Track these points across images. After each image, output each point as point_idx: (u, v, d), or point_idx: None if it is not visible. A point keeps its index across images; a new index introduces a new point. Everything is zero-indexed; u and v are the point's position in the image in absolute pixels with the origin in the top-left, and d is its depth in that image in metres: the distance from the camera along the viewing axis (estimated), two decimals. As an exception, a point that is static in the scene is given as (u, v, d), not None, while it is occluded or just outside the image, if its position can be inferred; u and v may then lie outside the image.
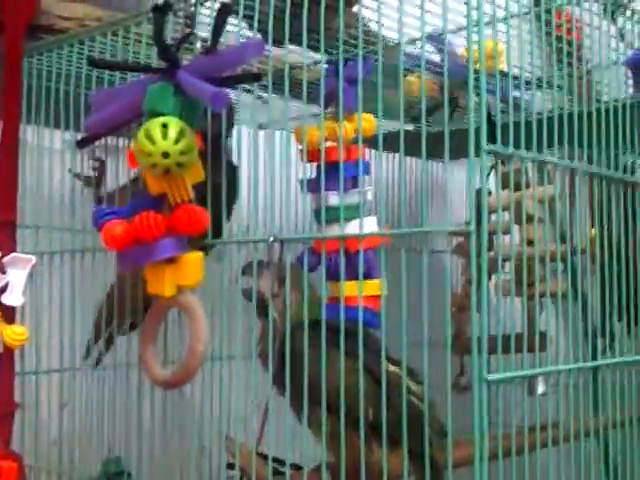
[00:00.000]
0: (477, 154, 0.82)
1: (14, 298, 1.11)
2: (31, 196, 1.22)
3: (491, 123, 1.38)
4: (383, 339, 0.94)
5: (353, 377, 0.91)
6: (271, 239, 0.92)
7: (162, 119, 0.89)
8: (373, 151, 1.16)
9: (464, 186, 1.83)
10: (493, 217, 1.58)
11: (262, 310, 0.97)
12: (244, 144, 1.06)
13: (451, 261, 1.74)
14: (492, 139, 1.42)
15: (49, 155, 1.20)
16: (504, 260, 1.53)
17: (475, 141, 0.81)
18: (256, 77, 0.89)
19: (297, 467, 1.03)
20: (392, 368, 1.00)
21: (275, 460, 0.98)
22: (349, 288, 1.10)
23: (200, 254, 0.97)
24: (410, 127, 1.53)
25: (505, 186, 1.47)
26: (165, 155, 0.88)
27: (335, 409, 0.89)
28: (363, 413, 0.89)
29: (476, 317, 0.82)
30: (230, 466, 1.03)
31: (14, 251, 1.14)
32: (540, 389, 1.38)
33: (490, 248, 1.61)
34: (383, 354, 0.89)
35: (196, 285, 0.97)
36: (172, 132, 0.88)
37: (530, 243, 1.40)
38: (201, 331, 0.94)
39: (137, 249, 0.94)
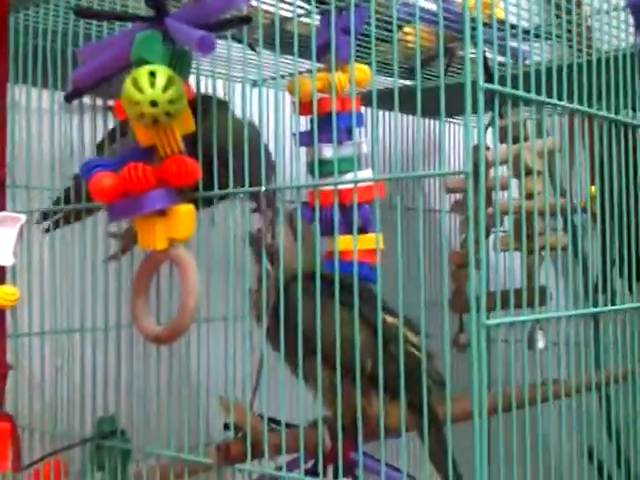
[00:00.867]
0: (474, 97, 0.79)
1: (4, 258, 1.08)
2: (22, 156, 1.19)
3: (489, 74, 1.36)
4: (379, 292, 0.92)
5: (350, 328, 0.90)
6: (263, 188, 0.90)
7: (150, 67, 0.87)
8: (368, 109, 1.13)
9: (461, 145, 1.84)
10: (491, 172, 1.57)
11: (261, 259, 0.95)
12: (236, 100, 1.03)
13: (449, 220, 1.73)
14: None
15: (38, 115, 1.17)
16: (503, 214, 1.52)
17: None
18: (245, 20, 0.87)
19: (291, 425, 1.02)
20: (390, 319, 0.98)
21: (270, 420, 0.96)
22: (344, 242, 1.08)
23: (191, 206, 0.94)
24: (406, 82, 1.51)
25: (503, 140, 1.46)
26: (153, 104, 0.86)
27: (332, 361, 0.87)
28: (361, 364, 0.87)
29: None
30: (227, 427, 1.01)
31: (3, 210, 1.12)
32: (540, 343, 1.37)
33: (489, 204, 1.61)
34: (379, 305, 0.87)
35: (187, 238, 0.95)
36: (160, 80, 0.86)
37: (529, 197, 1.38)
38: (192, 285, 0.92)
39: (126, 201, 0.92)
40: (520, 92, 0.85)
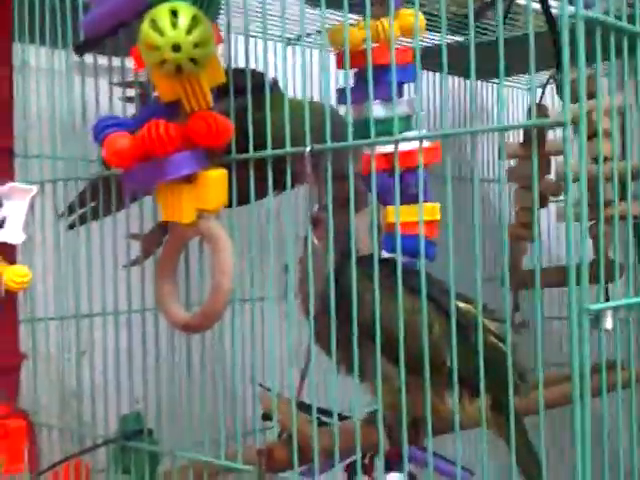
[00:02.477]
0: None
1: (13, 235, 0.97)
2: (34, 124, 1.07)
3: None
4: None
5: (428, 316, 0.77)
6: (308, 149, 0.76)
7: (171, 4, 0.73)
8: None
9: (513, 110, 1.70)
10: (551, 135, 1.43)
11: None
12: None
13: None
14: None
15: (49, 77, 1.04)
16: (562, 180, 1.38)
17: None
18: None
19: (343, 418, 0.89)
20: (463, 305, 0.84)
21: (319, 411, 0.83)
22: (402, 213, 0.95)
23: (223, 171, 0.81)
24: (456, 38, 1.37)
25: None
26: (176, 48, 0.72)
27: (398, 355, 0.73)
28: (437, 359, 0.73)
29: (573, 242, 0.66)
30: (265, 417, 0.88)
31: (12, 181, 1.00)
32: (608, 323, 1.24)
33: (549, 170, 1.47)
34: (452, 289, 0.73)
35: (219, 209, 0.81)
36: (183, 20, 0.72)
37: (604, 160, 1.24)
38: (227, 263, 0.78)
39: (146, 166, 0.78)
40: (626, 24, 0.70)
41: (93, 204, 0.99)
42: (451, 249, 0.73)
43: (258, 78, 0.85)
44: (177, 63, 0.73)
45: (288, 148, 0.79)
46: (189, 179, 0.80)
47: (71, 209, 1.02)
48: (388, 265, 0.75)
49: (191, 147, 0.78)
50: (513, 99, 1.71)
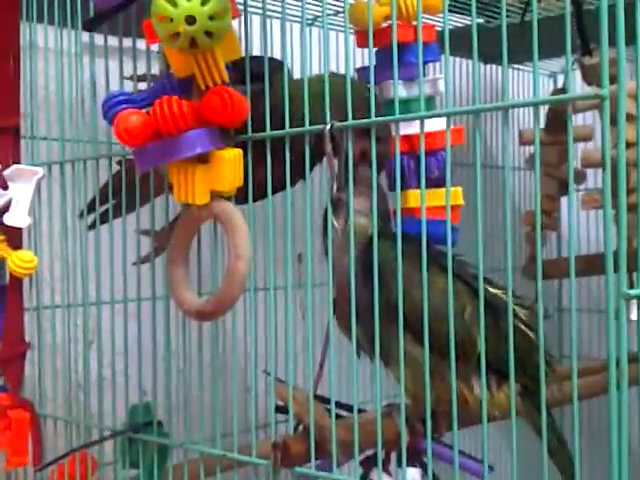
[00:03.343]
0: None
1: (18, 218, 0.94)
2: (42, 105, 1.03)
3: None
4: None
5: (460, 299, 0.73)
6: (328, 127, 0.72)
7: (185, -27, 0.69)
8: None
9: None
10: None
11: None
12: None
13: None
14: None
15: (57, 58, 1.00)
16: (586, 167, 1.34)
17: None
18: None
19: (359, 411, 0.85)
20: (493, 290, 0.81)
21: (337, 404, 0.80)
22: (419, 197, 0.91)
23: (238, 151, 0.77)
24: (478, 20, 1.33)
25: (592, 82, 1.27)
26: (190, 20, 0.69)
27: (427, 339, 0.69)
28: (467, 343, 0.69)
29: (611, 226, 0.62)
30: (279, 409, 0.85)
31: (17, 162, 0.96)
32: (633, 314, 1.20)
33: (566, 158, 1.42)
34: (480, 274, 0.70)
35: (234, 190, 0.77)
36: (198, -10, 0.69)
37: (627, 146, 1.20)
38: (242, 247, 0.75)
39: (159, 145, 0.74)
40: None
41: (114, 201, 0.95)
42: (480, 234, 0.69)
43: (275, 64, 0.81)
44: (191, 36, 0.69)
45: (307, 126, 0.75)
46: (203, 159, 0.76)
47: (91, 208, 0.97)
48: (419, 245, 0.71)
49: (205, 125, 0.75)
50: (532, 86, 1.65)
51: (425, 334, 0.68)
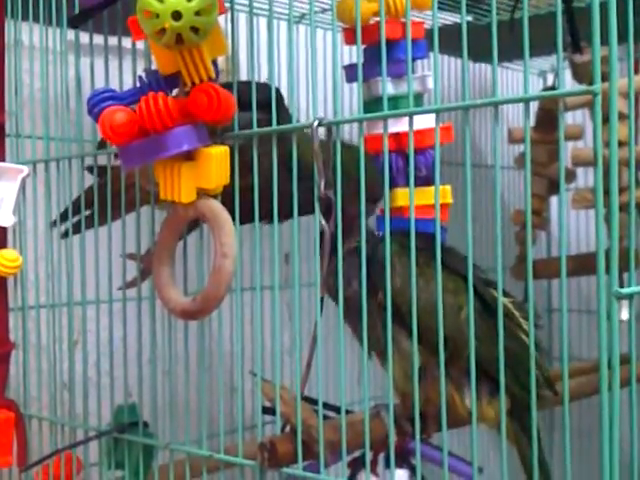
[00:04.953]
0: None
1: (3, 217, 0.93)
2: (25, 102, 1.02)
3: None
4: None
5: (458, 298, 0.72)
6: (316, 123, 0.72)
7: (171, -32, 0.68)
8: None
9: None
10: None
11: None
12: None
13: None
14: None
15: (43, 56, 0.99)
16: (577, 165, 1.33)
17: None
18: None
19: (347, 412, 0.85)
20: (495, 294, 0.80)
21: (324, 406, 0.79)
22: (407, 196, 0.91)
23: (225, 148, 0.76)
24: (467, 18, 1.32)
25: (582, 80, 1.27)
26: (176, 16, 0.68)
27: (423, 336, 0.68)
28: (463, 347, 0.69)
29: (602, 225, 0.61)
30: (266, 410, 0.84)
31: (2, 160, 0.95)
32: (623, 314, 1.20)
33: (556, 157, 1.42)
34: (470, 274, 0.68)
35: (220, 188, 0.77)
36: (184, -15, 0.68)
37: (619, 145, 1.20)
38: (229, 245, 0.74)
39: (144, 142, 0.73)
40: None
41: (87, 212, 0.94)
42: (470, 234, 0.68)
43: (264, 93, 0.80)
44: (177, 32, 0.69)
45: (295, 123, 0.74)
46: (189, 156, 0.75)
47: (64, 217, 0.97)
48: (421, 241, 0.71)
49: (191, 122, 0.74)
50: (520, 85, 1.64)
51: (414, 329, 0.67)
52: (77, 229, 0.96)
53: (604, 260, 0.60)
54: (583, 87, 0.63)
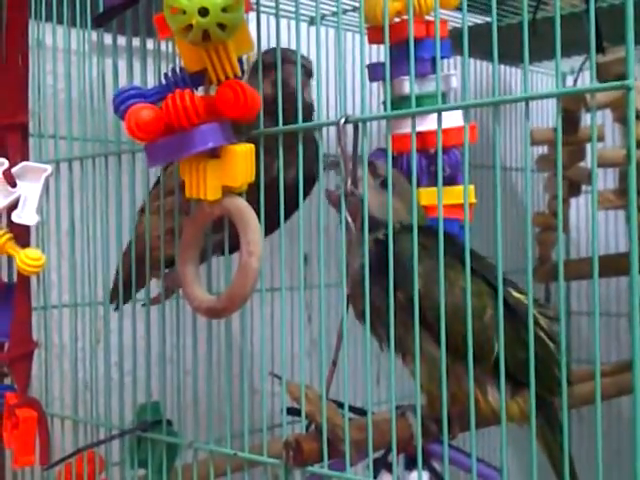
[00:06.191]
0: None
1: (27, 216, 0.93)
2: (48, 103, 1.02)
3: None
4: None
5: (482, 300, 0.72)
6: (343, 120, 0.71)
7: (198, -36, 0.68)
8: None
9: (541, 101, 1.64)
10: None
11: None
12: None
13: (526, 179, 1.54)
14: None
15: (66, 57, 0.99)
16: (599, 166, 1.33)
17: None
18: None
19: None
20: (516, 294, 0.80)
21: (351, 409, 0.79)
22: (429, 195, 0.90)
23: (250, 146, 0.76)
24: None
25: (605, 80, 1.26)
26: (203, 12, 0.68)
27: (445, 339, 0.68)
28: (486, 346, 0.68)
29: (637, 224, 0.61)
30: (291, 411, 0.83)
31: (26, 160, 0.95)
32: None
33: (581, 157, 1.41)
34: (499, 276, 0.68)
35: (246, 185, 0.77)
36: (211, -18, 0.68)
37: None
38: (255, 243, 0.74)
39: (169, 139, 0.73)
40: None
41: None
42: (499, 234, 0.68)
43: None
44: (204, 29, 0.69)
45: (321, 120, 0.74)
46: (215, 154, 0.75)
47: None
48: (444, 241, 0.70)
49: (217, 120, 0.74)
50: (541, 88, 1.63)
51: (442, 332, 0.67)
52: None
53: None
54: (617, 82, 0.62)
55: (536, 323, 0.78)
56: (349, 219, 0.72)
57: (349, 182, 0.71)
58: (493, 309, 0.74)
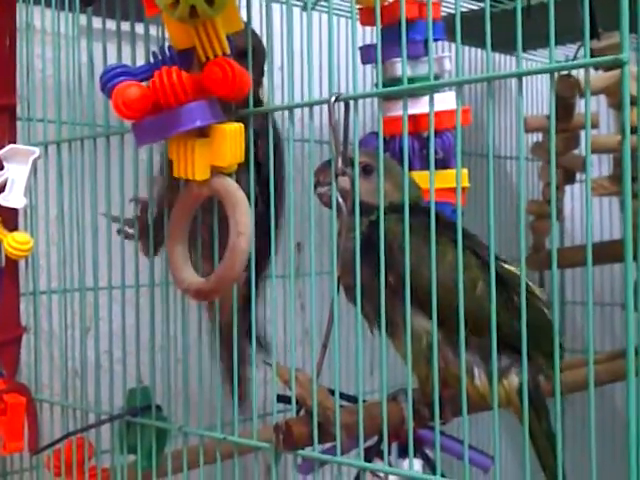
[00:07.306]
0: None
1: (14, 199, 0.92)
2: (39, 87, 1.01)
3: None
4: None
5: (470, 273, 0.71)
6: (333, 98, 0.70)
7: (185, -61, 0.67)
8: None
9: (535, 89, 1.63)
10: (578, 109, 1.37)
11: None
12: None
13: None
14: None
15: (55, 40, 0.98)
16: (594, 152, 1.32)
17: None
18: None
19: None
20: (507, 266, 0.79)
21: (342, 396, 0.78)
22: (422, 179, 0.89)
23: (240, 125, 0.75)
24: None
25: (600, 65, 1.25)
26: (190, -13, 0.67)
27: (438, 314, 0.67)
28: (482, 321, 0.67)
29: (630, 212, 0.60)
30: (282, 399, 0.82)
31: (13, 142, 0.94)
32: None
33: (576, 145, 1.41)
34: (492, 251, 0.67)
35: (235, 165, 0.76)
36: (199, -44, 0.67)
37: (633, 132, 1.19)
38: (244, 223, 0.73)
39: (157, 118, 0.72)
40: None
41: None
42: (492, 217, 0.67)
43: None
44: (191, 4, 0.67)
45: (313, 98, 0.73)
46: (203, 133, 0.74)
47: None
48: (430, 217, 0.69)
49: (206, 98, 0.73)
50: (535, 77, 1.62)
51: (434, 308, 0.66)
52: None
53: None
54: (610, 56, 0.60)
55: (531, 292, 0.77)
56: (340, 200, 0.71)
57: (340, 161, 0.70)
58: (484, 281, 0.73)
